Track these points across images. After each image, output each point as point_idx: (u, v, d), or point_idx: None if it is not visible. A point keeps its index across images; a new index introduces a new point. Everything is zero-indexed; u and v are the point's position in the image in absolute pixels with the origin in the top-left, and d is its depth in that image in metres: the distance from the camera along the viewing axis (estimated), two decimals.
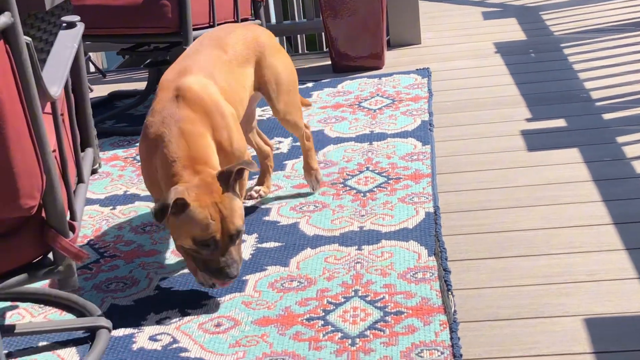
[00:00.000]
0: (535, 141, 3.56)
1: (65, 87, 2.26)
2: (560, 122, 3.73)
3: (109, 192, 3.53)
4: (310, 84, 4.68)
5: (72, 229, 2.06)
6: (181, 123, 2.60)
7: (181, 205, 2.43)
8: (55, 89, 2.02)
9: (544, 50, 4.89)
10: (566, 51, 4.81)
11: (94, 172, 2.77)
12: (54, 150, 2.07)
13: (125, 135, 4.18)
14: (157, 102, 2.68)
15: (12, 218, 1.95)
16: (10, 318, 2.64)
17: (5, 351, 2.45)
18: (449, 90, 4.35)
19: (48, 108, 2.13)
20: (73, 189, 2.19)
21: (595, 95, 4.03)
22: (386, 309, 2.46)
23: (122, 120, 4.41)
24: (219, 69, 2.83)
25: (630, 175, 3.13)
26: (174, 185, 2.49)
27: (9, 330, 2.41)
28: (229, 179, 2.50)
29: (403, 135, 3.79)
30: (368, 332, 2.37)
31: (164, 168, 2.56)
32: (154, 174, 2.64)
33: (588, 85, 4.19)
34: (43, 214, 2.02)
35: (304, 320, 2.44)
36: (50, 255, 2.10)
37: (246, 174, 2.65)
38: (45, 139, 1.92)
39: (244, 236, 2.97)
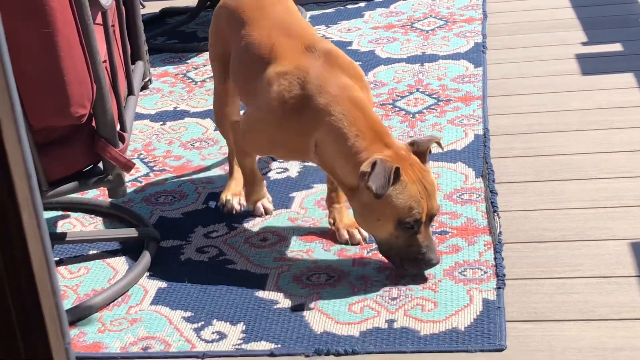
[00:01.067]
0: (590, 65, 3.50)
1: None
2: (616, 47, 3.65)
3: (159, 108, 3.56)
4: (362, 4, 4.63)
5: (122, 139, 2.09)
6: (349, 91, 2.26)
7: (394, 179, 2.12)
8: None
9: None
10: None
11: (144, 87, 2.80)
12: (105, 61, 2.09)
13: (176, 52, 4.19)
14: (293, 68, 2.30)
15: (63, 126, 1.99)
16: (61, 227, 2.70)
17: (57, 258, 2.52)
18: (504, 12, 4.27)
19: (99, 19, 2.14)
20: (123, 101, 2.21)
21: None
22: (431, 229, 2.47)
23: (173, 37, 4.42)
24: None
25: None
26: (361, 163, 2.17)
27: (60, 238, 2.47)
28: (425, 152, 2.24)
29: (455, 57, 3.75)
30: None
31: (340, 144, 2.21)
32: (298, 150, 2.33)
33: None
34: (93, 124, 2.05)
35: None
36: (101, 165, 2.14)
37: None
38: (95, 48, 1.94)
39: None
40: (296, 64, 2.30)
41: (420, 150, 2.23)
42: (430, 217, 2.20)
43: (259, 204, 2.61)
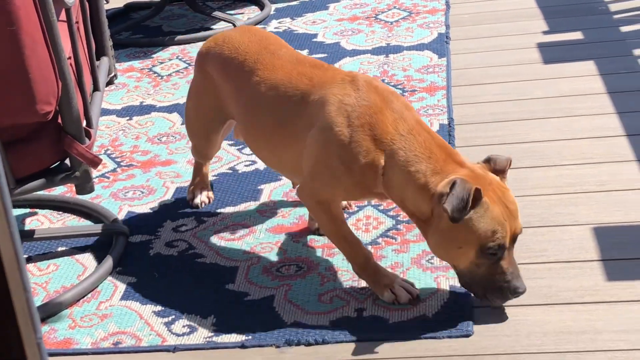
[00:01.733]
0: (552, 54, 3.54)
1: None
2: (577, 35, 3.70)
3: (125, 103, 3.56)
4: None
5: (88, 135, 2.10)
6: (413, 112, 2.12)
7: (474, 200, 1.93)
8: None
9: None
10: None
11: (110, 82, 2.80)
12: (69, 58, 2.09)
13: (141, 46, 4.18)
14: (347, 94, 2.12)
15: (29, 124, 1.99)
16: (29, 224, 2.70)
17: (25, 255, 2.51)
18: (466, 3, 4.31)
19: (63, 16, 2.14)
20: (89, 97, 2.22)
21: (613, 7, 3.99)
22: (398, 218, 2.50)
23: (138, 31, 4.41)
24: None
25: None
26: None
27: (29, 235, 2.47)
28: (504, 169, 2.08)
29: (419, 48, 3.78)
30: (380, 240, 2.41)
31: (411, 167, 2.02)
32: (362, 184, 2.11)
33: None
34: (59, 121, 2.06)
35: (318, 229, 2.48)
36: (67, 162, 2.14)
37: None
38: (60, 45, 1.94)
39: None
40: (348, 90, 2.12)
41: (498, 168, 2.07)
42: (514, 240, 2.01)
43: None
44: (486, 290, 2.02)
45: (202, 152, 2.62)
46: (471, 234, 1.95)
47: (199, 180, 2.71)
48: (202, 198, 2.69)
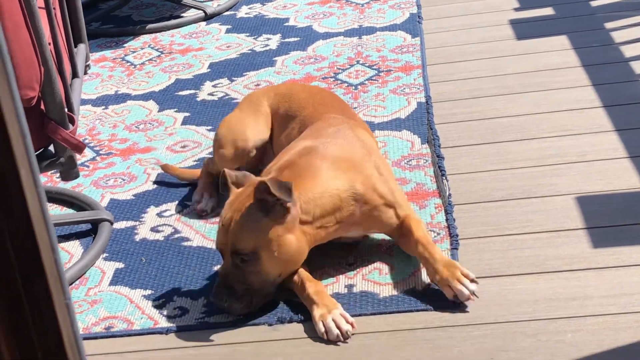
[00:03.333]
0: (524, 30, 3.57)
1: None
2: (549, 11, 3.73)
3: (99, 92, 3.53)
4: None
5: (72, 121, 2.08)
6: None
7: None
8: None
9: None
10: None
11: (84, 72, 2.77)
12: (49, 44, 2.07)
13: (112, 36, 4.15)
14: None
15: None
16: None
17: None
18: None
19: (41, 2, 2.12)
20: (69, 83, 2.20)
21: None
22: None
23: (107, 22, 4.37)
24: None
25: (619, 60, 3.16)
26: None
27: None
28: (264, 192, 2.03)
29: (392, 28, 3.78)
30: None
31: None
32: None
33: None
34: (42, 107, 2.04)
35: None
36: (51, 148, 2.12)
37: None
38: (41, 30, 1.92)
39: None
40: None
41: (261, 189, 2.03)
42: (234, 252, 2.03)
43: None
44: None
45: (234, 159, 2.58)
46: None
47: (208, 183, 2.62)
48: (209, 204, 2.56)
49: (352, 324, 1.97)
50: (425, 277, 2.12)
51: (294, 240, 2.06)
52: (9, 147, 0.66)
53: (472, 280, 2.02)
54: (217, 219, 2.50)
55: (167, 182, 2.75)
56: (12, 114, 0.67)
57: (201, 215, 2.54)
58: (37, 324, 0.71)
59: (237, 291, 2.03)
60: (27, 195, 0.68)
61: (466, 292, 2.00)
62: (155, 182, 2.76)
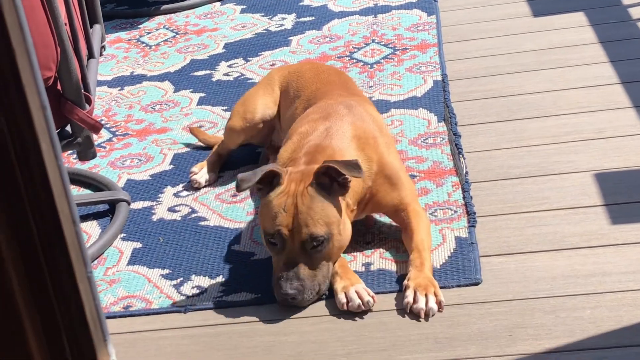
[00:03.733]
0: (541, 7, 3.54)
1: None
2: None
3: (115, 74, 3.54)
4: None
5: (88, 101, 2.09)
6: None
7: (269, 182, 2.06)
8: None
9: None
10: None
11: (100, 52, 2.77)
12: (65, 24, 2.07)
13: (127, 17, 4.15)
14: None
15: None
16: None
17: None
18: None
19: None
20: (85, 63, 2.20)
21: None
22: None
23: (122, 3, 4.37)
24: None
25: (635, 36, 3.13)
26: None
27: None
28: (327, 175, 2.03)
29: (407, 7, 3.77)
30: None
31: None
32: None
33: None
34: (59, 87, 2.04)
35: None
36: (68, 128, 2.13)
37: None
38: (57, 9, 1.92)
39: None
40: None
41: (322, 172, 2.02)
42: (302, 242, 1.99)
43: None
44: (274, 277, 2.04)
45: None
46: (260, 215, 2.06)
47: (213, 161, 2.65)
48: (205, 178, 2.59)
49: (372, 297, 1.98)
50: (440, 255, 2.12)
51: (348, 222, 2.08)
52: (29, 120, 0.66)
53: (438, 302, 1.94)
54: (234, 199, 2.51)
55: (183, 163, 2.75)
56: (33, 87, 0.67)
57: (193, 185, 2.58)
58: (57, 296, 0.72)
59: (306, 280, 2.00)
60: (48, 168, 0.68)
61: (422, 305, 1.92)
62: (171, 163, 2.77)
